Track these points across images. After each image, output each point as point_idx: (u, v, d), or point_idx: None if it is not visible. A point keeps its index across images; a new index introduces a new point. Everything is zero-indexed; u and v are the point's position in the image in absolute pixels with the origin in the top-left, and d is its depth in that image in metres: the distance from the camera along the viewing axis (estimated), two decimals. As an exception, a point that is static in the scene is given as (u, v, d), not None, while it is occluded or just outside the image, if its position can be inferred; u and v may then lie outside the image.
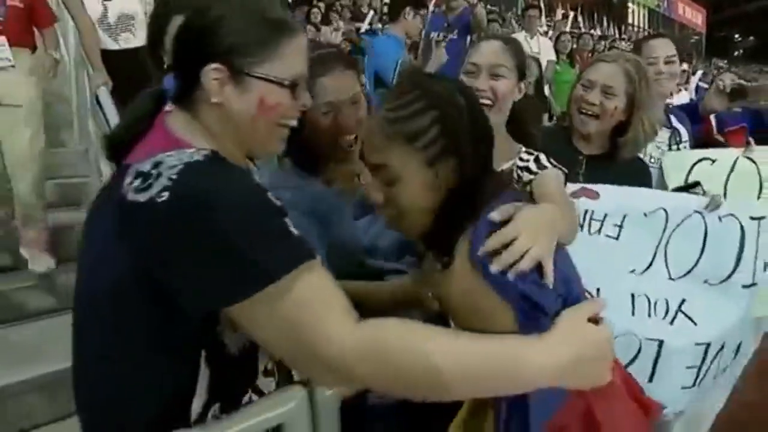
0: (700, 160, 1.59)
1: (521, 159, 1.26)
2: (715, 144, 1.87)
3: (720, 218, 1.40)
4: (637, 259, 1.41)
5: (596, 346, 0.72)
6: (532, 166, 1.23)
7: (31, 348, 2.05)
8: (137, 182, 0.66)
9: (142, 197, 0.65)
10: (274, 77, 0.75)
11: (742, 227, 1.40)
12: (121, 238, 0.68)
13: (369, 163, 0.85)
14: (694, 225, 1.40)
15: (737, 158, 1.57)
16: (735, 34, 32.20)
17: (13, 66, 2.27)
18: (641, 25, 23.40)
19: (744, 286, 1.42)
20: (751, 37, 30.68)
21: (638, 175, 1.53)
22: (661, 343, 1.35)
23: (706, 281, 1.41)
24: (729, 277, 1.41)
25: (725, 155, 1.61)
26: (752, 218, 1.41)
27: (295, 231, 0.69)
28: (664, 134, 1.77)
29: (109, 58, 2.63)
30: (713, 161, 1.60)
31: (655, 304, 1.40)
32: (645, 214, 1.40)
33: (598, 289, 1.31)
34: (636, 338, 1.34)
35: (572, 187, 1.38)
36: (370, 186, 0.86)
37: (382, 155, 0.81)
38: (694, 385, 1.39)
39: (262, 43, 0.74)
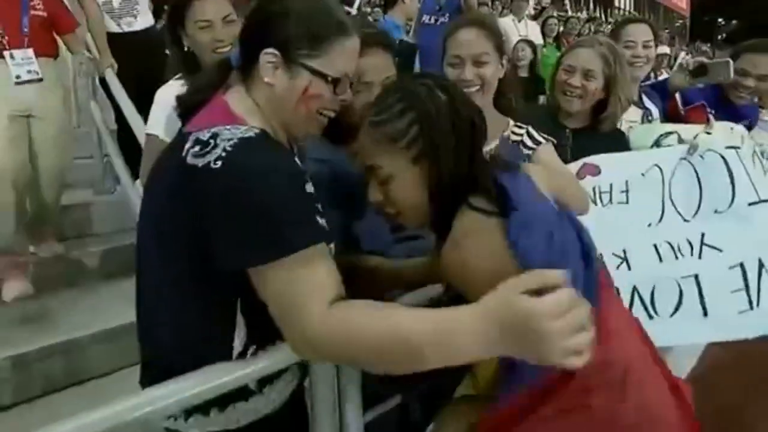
0: (666, 135, 1.74)
1: (514, 133, 1.43)
2: (681, 120, 2.03)
3: (702, 156, 1.59)
4: (649, 215, 1.58)
5: (524, 318, 0.65)
6: (527, 141, 1.41)
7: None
8: (196, 148, 0.78)
9: (199, 162, 0.76)
10: (321, 71, 0.85)
11: (722, 156, 1.58)
12: (178, 192, 0.80)
13: (364, 164, 0.93)
14: (685, 170, 1.60)
15: (698, 134, 1.71)
16: (719, 18, 32.52)
17: (41, 79, 2.21)
18: (627, 8, 23.52)
19: (750, 204, 1.56)
20: (735, 21, 31.03)
21: (619, 143, 1.71)
22: (696, 276, 1.50)
23: (716, 211, 1.57)
24: (732, 200, 1.57)
25: (688, 130, 1.76)
26: (728, 147, 1.59)
27: (320, 218, 0.78)
28: (636, 113, 1.94)
29: (112, 41, 2.70)
30: (675, 134, 1.76)
31: (679, 246, 1.55)
32: (642, 174, 1.59)
33: (624, 251, 1.52)
34: (672, 280, 1.50)
35: (574, 166, 1.55)
36: (370, 187, 0.94)
37: (373, 157, 0.90)
38: (751, 307, 1.50)
39: (318, 40, 0.84)
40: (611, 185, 1.57)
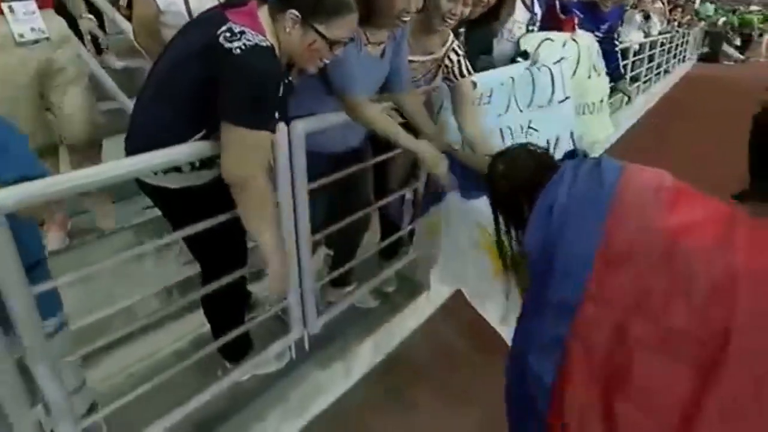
0: (544, 40, 2.48)
1: (449, 59, 1.95)
2: (557, 23, 2.69)
3: (538, 68, 2.44)
4: (500, 108, 2.37)
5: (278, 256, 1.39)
6: (456, 71, 1.93)
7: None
8: (227, 34, 1.18)
9: (226, 44, 1.17)
10: (324, 35, 1.28)
11: (549, 69, 2.46)
12: (204, 54, 1.22)
13: None
14: (526, 77, 2.43)
15: (566, 39, 2.53)
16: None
17: (48, 38, 1.91)
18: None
19: (560, 102, 2.54)
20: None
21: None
22: None
23: (540, 106, 2.49)
24: (551, 99, 2.50)
25: (560, 36, 2.55)
26: (554, 63, 2.43)
27: (275, 115, 1.35)
28: (525, 16, 2.53)
29: None
30: (552, 40, 2.51)
31: (514, 129, 2.42)
32: (502, 84, 2.34)
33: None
34: None
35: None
36: None
37: None
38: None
39: (329, 14, 1.27)
40: (482, 94, 2.23)
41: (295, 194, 1.62)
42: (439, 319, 2.56)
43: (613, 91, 5.86)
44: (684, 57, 11.62)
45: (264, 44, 1.20)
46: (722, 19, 15.18)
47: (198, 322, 1.94)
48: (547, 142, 2.57)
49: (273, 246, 1.37)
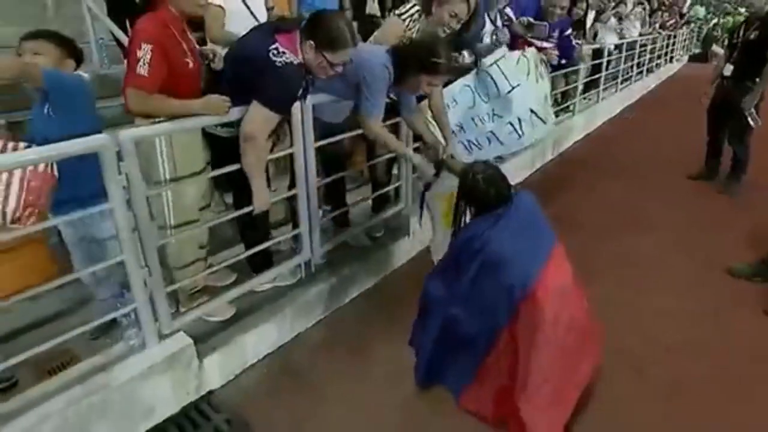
0: (502, 56, 3.41)
1: None
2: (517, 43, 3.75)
3: (486, 71, 3.36)
4: (467, 103, 3.40)
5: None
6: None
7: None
8: (275, 52, 1.94)
9: (272, 58, 1.95)
10: (330, 60, 2.01)
11: (487, 71, 3.35)
12: (257, 63, 1.97)
13: None
14: (483, 78, 3.38)
15: (519, 56, 3.52)
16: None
17: None
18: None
19: (507, 92, 3.38)
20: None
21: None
22: (492, 131, 3.40)
23: (496, 96, 3.41)
24: (498, 91, 3.38)
25: (514, 53, 3.53)
26: (491, 64, 3.34)
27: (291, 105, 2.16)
28: (489, 27, 3.51)
29: None
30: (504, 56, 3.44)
31: (483, 117, 3.36)
32: (459, 90, 3.37)
33: (460, 124, 3.33)
34: (483, 134, 3.38)
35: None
36: None
37: None
38: (519, 137, 3.51)
39: (334, 47, 1.99)
40: (447, 103, 3.16)
41: (305, 147, 2.31)
42: (417, 258, 3.23)
43: (588, 86, 6.57)
44: (671, 57, 12.24)
45: (297, 61, 1.98)
46: (713, 21, 15.77)
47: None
48: (510, 124, 3.44)
49: (258, 185, 2.13)
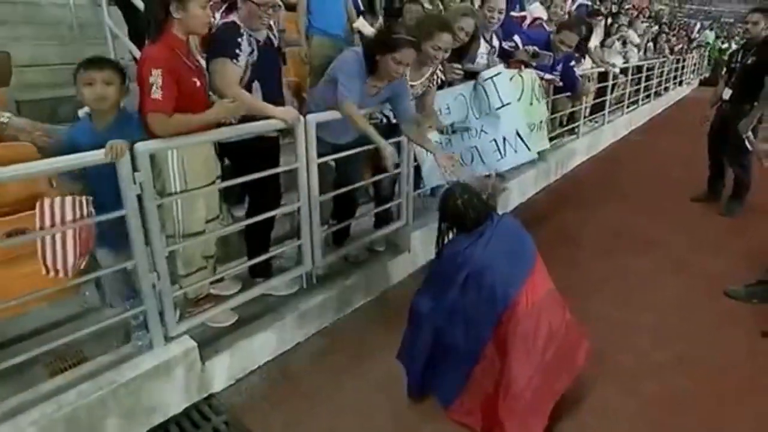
0: (497, 72, 3.48)
1: (436, 75, 3.02)
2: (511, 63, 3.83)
3: (481, 86, 3.44)
4: (460, 116, 3.48)
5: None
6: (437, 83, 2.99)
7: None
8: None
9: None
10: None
11: (482, 86, 3.41)
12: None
13: None
14: (478, 92, 3.46)
15: (514, 74, 3.67)
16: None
17: None
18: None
19: (497, 108, 3.47)
20: None
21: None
22: (476, 147, 3.57)
23: (486, 114, 3.50)
24: (489, 107, 3.46)
25: (511, 71, 3.67)
26: (485, 79, 3.41)
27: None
28: (486, 47, 3.58)
29: None
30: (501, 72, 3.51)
31: (471, 133, 3.45)
32: (454, 98, 3.42)
33: (449, 139, 3.47)
34: (468, 150, 3.48)
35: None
36: None
37: None
38: (501, 157, 3.56)
39: None
40: (440, 108, 3.32)
41: (308, 163, 2.44)
42: (416, 274, 3.32)
43: (595, 109, 6.68)
44: (681, 81, 12.31)
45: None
46: (718, 47, 15.84)
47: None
48: (495, 141, 3.55)
49: (271, 110, 2.32)
